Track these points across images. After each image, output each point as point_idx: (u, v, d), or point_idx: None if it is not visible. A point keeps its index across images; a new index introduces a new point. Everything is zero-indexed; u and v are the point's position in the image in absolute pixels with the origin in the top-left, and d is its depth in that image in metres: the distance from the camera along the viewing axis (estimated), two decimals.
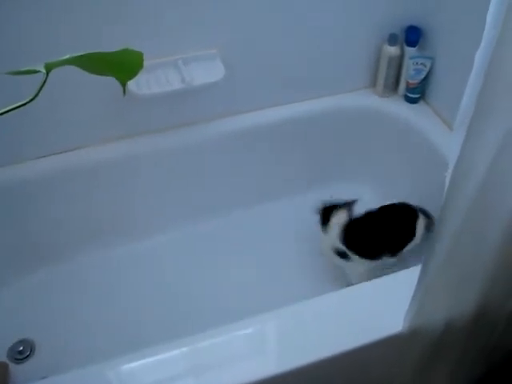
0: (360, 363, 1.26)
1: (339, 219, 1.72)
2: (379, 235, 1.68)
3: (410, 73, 1.84)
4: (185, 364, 1.21)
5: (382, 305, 1.25)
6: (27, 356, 1.68)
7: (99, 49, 0.63)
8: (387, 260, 1.70)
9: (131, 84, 1.59)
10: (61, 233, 1.87)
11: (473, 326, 1.14)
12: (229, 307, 1.59)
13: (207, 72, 1.67)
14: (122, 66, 0.63)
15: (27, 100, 0.58)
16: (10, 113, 0.59)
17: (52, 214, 1.83)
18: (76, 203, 1.83)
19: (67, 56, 0.59)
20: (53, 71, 0.60)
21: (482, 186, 0.88)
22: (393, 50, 1.84)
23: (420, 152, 1.87)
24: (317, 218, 1.77)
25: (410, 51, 1.83)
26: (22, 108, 0.59)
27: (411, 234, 1.68)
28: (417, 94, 1.90)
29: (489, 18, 0.81)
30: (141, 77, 1.61)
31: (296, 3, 1.68)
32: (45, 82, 0.58)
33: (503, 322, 1.18)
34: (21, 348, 1.69)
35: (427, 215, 1.70)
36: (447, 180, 0.95)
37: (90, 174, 1.79)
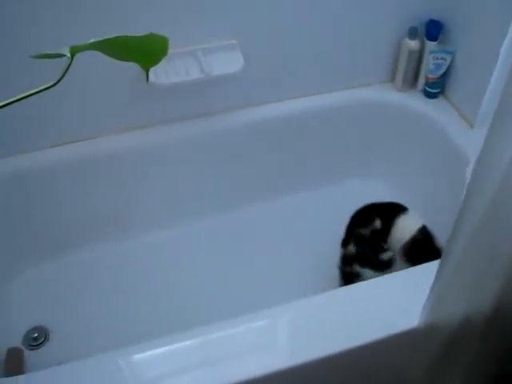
0: (375, 358, 1.25)
1: (411, 228, 1.62)
2: None
3: (430, 67, 1.82)
4: (196, 355, 1.21)
5: (398, 299, 1.24)
6: (41, 343, 1.69)
7: None
8: None
9: (150, 73, 1.59)
10: (74, 223, 1.87)
11: (490, 322, 1.12)
12: (237, 302, 1.58)
13: (226, 63, 1.67)
14: (146, 51, 0.63)
15: (50, 84, 0.58)
16: (27, 100, 0.58)
17: (64, 204, 1.83)
18: (87, 194, 1.84)
19: (92, 40, 0.58)
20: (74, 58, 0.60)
21: (505, 180, 0.87)
22: (413, 44, 1.82)
23: (438, 147, 1.86)
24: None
25: (430, 45, 1.81)
26: (39, 95, 0.58)
27: None
28: (436, 88, 1.88)
29: None
30: (159, 66, 1.61)
31: None
32: (69, 65, 0.57)
33: None
34: (35, 335, 1.70)
35: None
36: (468, 175, 0.94)
37: (104, 164, 1.79)
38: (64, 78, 0.59)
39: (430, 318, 1.14)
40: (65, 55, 0.58)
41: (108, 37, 0.59)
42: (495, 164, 0.87)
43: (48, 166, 1.74)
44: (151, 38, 0.60)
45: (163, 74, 1.62)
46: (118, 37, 0.58)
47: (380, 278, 1.36)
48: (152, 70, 1.68)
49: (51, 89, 0.58)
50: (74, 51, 0.57)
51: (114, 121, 1.76)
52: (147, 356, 1.20)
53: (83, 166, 1.78)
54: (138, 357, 1.20)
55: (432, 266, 1.08)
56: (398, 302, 1.24)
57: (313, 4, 1.69)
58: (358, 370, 1.28)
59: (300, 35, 1.75)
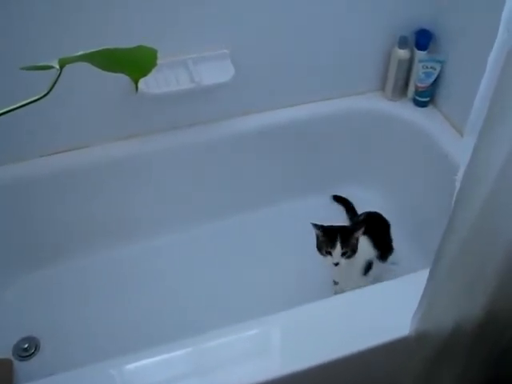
0: (366, 366, 1.25)
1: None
2: (384, 239, 1.67)
3: (420, 76, 1.84)
4: (189, 364, 1.21)
5: (389, 308, 1.25)
6: (32, 353, 1.68)
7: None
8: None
9: (140, 83, 1.59)
10: (66, 232, 1.87)
11: (481, 329, 1.13)
12: (233, 309, 1.58)
13: (217, 72, 1.67)
14: (135, 63, 0.63)
15: (40, 95, 0.58)
16: (19, 110, 0.59)
17: (58, 213, 1.83)
18: (82, 202, 1.84)
19: (81, 52, 0.59)
20: (64, 68, 0.60)
21: (494, 188, 0.88)
22: (402, 53, 1.83)
23: (428, 156, 1.86)
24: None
25: (419, 54, 1.83)
26: (30, 105, 0.59)
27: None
28: (426, 97, 1.89)
29: (503, 20, 0.81)
30: (150, 76, 1.61)
31: (307, 6, 1.68)
32: (58, 77, 0.58)
33: None
34: (26, 345, 1.69)
35: None
36: (457, 183, 0.95)
37: (97, 173, 1.79)
38: (56, 88, 0.60)
39: (421, 326, 1.14)
40: (54, 67, 0.58)
41: (97, 48, 0.59)
42: (484, 172, 0.88)
43: (44, 173, 1.74)
44: (140, 50, 0.61)
45: (154, 83, 1.63)
46: (106, 49, 0.58)
47: (371, 286, 1.36)
48: (143, 80, 1.69)
49: (47, 98, 0.59)
50: (63, 63, 0.58)
51: (106, 130, 1.76)
52: (139, 366, 1.19)
53: (79, 174, 1.78)
54: (130, 367, 1.20)
55: (422, 275, 1.09)
56: (389, 310, 1.24)
57: (304, 14, 1.70)
58: (349, 377, 1.28)
59: (291, 44, 1.76)
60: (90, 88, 1.62)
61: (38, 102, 0.58)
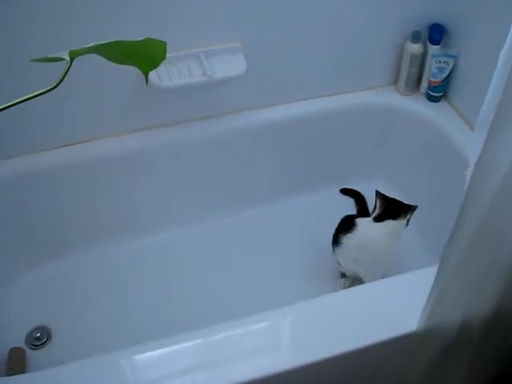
0: (374, 361, 1.25)
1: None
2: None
3: (433, 71, 1.83)
4: (197, 356, 1.21)
5: (397, 303, 1.25)
6: (44, 342, 1.70)
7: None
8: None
9: (152, 75, 1.59)
10: (74, 225, 1.88)
11: (489, 325, 1.13)
12: (239, 305, 1.58)
13: (229, 65, 1.67)
14: (144, 55, 0.63)
15: (50, 87, 0.59)
16: (26, 103, 0.59)
17: (66, 206, 1.84)
18: (89, 195, 1.84)
19: (91, 44, 0.59)
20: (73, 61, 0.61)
21: (504, 184, 0.87)
22: (416, 48, 1.82)
23: (440, 151, 1.86)
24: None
25: (433, 49, 1.81)
26: (39, 98, 0.59)
27: None
28: (439, 92, 1.88)
29: None
30: (162, 68, 1.62)
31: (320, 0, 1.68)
32: (68, 69, 0.58)
33: None
34: (38, 334, 1.70)
35: None
36: (467, 178, 0.95)
37: (106, 166, 1.80)
38: (67, 80, 0.60)
39: (429, 322, 1.14)
40: (64, 59, 0.58)
41: (107, 41, 0.60)
42: (494, 168, 0.87)
43: (49, 167, 1.74)
44: (149, 42, 0.61)
45: (166, 76, 1.63)
46: (116, 41, 0.59)
47: (380, 281, 1.36)
48: (155, 73, 1.69)
49: (55, 90, 0.59)
50: (73, 55, 0.58)
51: (117, 122, 1.77)
52: (149, 356, 1.20)
53: (85, 168, 1.78)
54: (139, 357, 1.21)
55: (431, 271, 1.09)
56: (397, 305, 1.24)
57: (316, 8, 1.69)
58: (357, 371, 1.28)
59: (303, 38, 1.75)
60: (102, 81, 1.62)
61: (46, 94, 0.59)
